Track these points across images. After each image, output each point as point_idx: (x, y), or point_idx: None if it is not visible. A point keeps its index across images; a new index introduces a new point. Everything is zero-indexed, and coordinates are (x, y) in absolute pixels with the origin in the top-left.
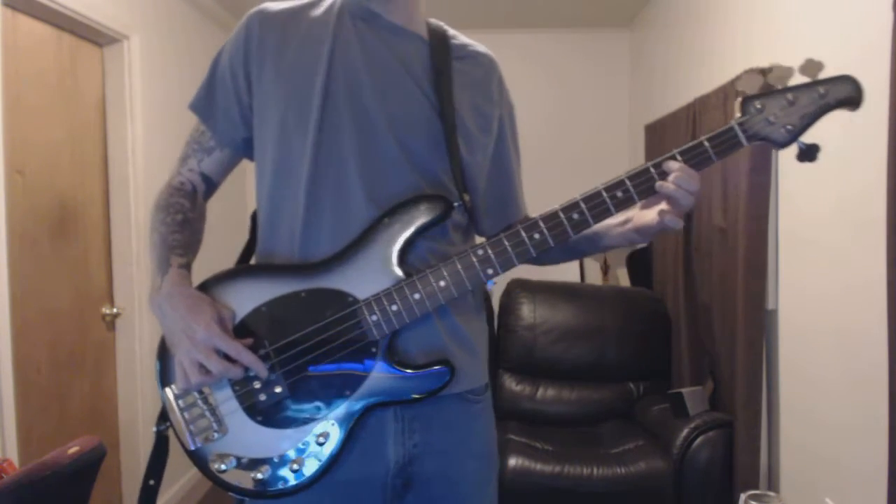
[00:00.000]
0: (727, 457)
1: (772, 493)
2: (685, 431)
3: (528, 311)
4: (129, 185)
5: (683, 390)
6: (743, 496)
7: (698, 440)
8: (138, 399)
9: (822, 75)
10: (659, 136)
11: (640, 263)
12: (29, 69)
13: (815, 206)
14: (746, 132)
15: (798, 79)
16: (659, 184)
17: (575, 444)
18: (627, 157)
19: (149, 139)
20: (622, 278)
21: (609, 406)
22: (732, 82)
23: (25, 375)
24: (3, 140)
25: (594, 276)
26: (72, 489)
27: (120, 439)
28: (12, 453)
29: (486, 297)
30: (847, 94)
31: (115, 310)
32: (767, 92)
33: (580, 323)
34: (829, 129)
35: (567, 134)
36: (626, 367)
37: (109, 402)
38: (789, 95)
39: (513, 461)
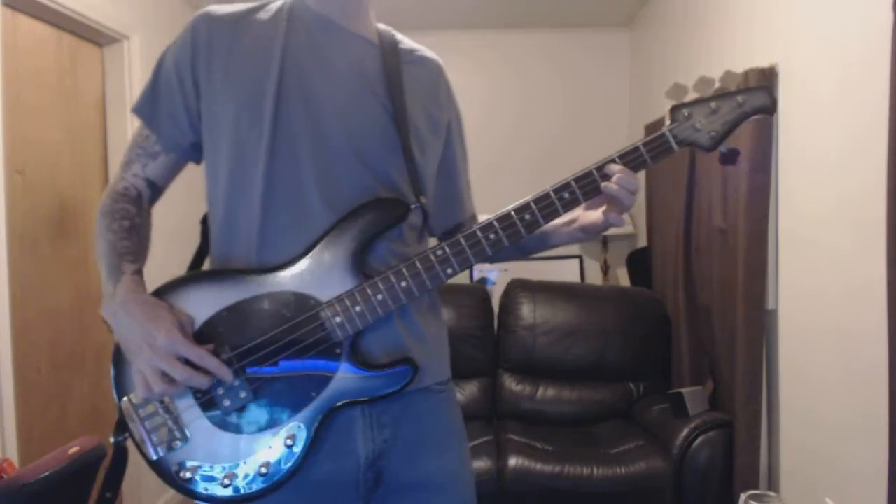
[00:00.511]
0: (727, 457)
1: (772, 493)
2: (685, 431)
3: (528, 311)
4: None
5: (683, 390)
6: (743, 496)
7: (698, 440)
8: None
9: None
10: None
11: (640, 263)
12: (29, 69)
13: (815, 206)
14: (676, 137)
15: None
16: (604, 185)
17: (575, 444)
18: None
19: None
20: (622, 278)
21: (609, 406)
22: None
23: (25, 375)
24: (3, 140)
25: (594, 276)
26: (72, 489)
27: None
28: (12, 453)
29: (486, 297)
30: (762, 103)
31: None
32: (694, 101)
33: (580, 323)
34: (829, 130)
35: (567, 133)
36: (626, 367)
37: (109, 402)
38: (712, 104)
39: (513, 461)
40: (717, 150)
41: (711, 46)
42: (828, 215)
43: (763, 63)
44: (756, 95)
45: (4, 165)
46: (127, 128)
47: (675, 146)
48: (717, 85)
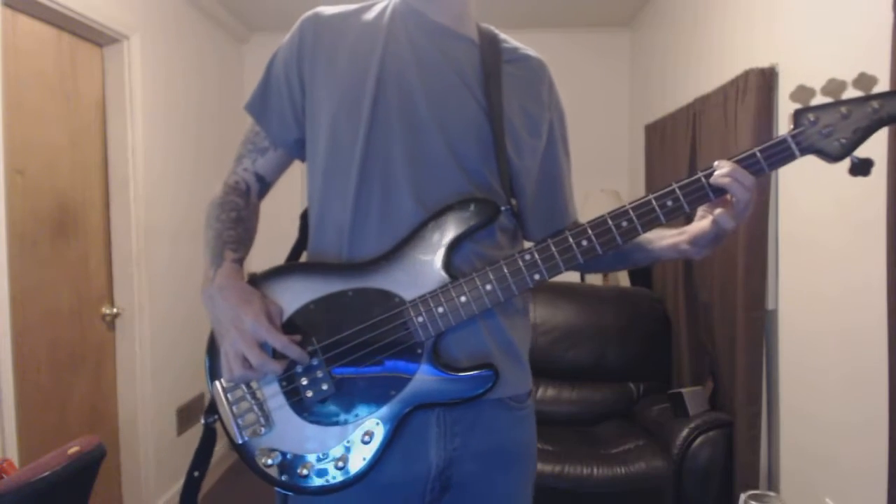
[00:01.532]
0: (727, 457)
1: (772, 493)
2: (685, 431)
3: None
4: (129, 186)
5: (683, 390)
6: (743, 496)
7: (698, 440)
8: (138, 399)
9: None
10: (659, 135)
11: None
12: (29, 70)
13: (815, 206)
14: (800, 144)
15: (851, 92)
16: (714, 177)
17: (575, 444)
18: (627, 157)
19: (149, 140)
20: (622, 278)
21: (609, 406)
22: (733, 82)
23: (25, 375)
24: (3, 140)
25: (594, 276)
26: (72, 489)
27: (120, 439)
28: (12, 453)
29: None
30: None
31: (115, 310)
32: (821, 105)
33: (580, 323)
34: None
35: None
36: (626, 367)
37: (109, 402)
38: (843, 109)
39: None
40: (849, 160)
41: (711, 46)
42: (828, 216)
43: (763, 63)
44: (894, 101)
45: (4, 166)
46: (127, 128)
47: (797, 153)
48: (849, 88)
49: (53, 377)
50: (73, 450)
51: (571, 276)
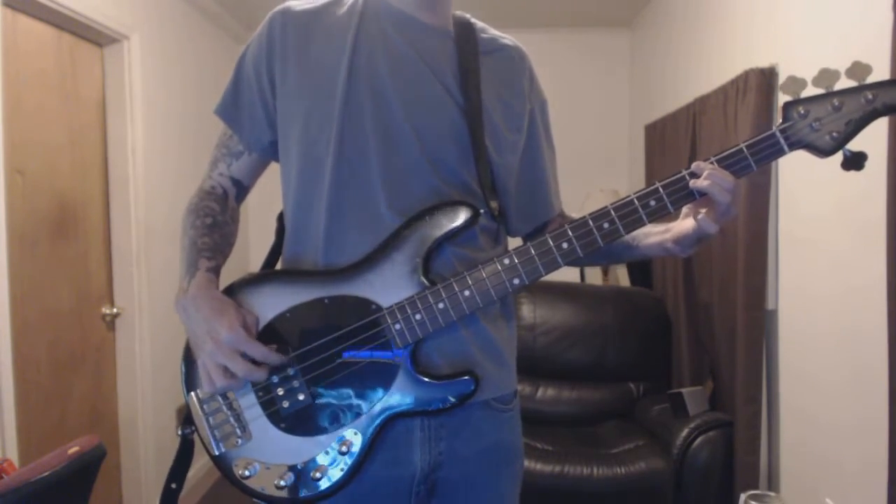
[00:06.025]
0: (727, 457)
1: (772, 493)
2: (685, 431)
3: (528, 311)
4: (129, 185)
5: (683, 390)
6: (743, 496)
7: (698, 440)
8: (138, 399)
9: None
10: (659, 135)
11: (640, 263)
12: (29, 69)
13: (815, 206)
14: (788, 139)
15: (844, 83)
16: (693, 182)
17: (575, 444)
18: (627, 157)
19: (149, 139)
20: (622, 278)
21: (609, 406)
22: (733, 82)
23: (25, 375)
24: (3, 140)
25: (594, 276)
26: (72, 489)
27: (120, 439)
28: (12, 453)
29: None
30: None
31: (115, 310)
32: (811, 96)
33: (580, 323)
34: None
35: (567, 134)
36: (626, 367)
37: (109, 402)
38: (835, 100)
39: None
40: (841, 154)
41: (711, 46)
42: (828, 216)
43: (763, 63)
44: (889, 90)
45: (5, 166)
46: (127, 128)
47: (785, 148)
48: (842, 78)
49: (53, 377)
50: (73, 450)
51: (571, 276)
